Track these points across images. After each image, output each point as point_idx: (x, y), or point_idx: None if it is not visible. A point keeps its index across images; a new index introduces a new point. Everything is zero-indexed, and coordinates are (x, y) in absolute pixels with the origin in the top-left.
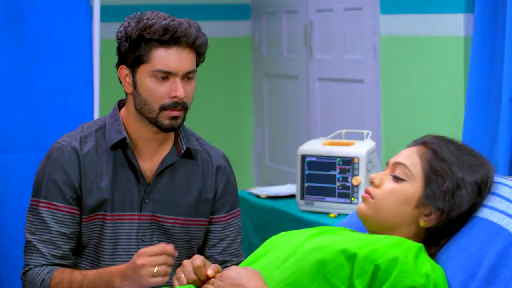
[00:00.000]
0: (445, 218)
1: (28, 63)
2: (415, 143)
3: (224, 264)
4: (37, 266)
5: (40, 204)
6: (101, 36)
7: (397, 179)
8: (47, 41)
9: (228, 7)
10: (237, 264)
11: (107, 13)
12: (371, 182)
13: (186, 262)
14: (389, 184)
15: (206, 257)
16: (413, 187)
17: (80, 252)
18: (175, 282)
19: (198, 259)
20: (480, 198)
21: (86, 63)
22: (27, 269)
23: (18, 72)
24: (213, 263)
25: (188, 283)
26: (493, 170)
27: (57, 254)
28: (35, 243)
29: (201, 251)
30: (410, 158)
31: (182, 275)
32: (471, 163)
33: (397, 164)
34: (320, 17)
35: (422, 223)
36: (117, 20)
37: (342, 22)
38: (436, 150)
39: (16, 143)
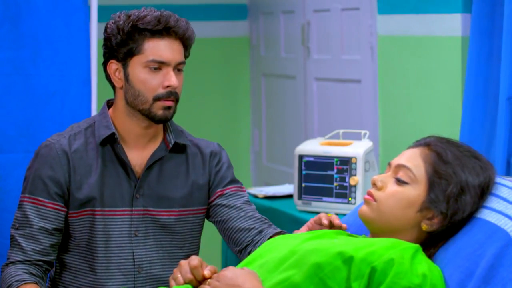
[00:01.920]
0: (448, 222)
1: (25, 63)
2: (417, 144)
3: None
4: (16, 261)
5: (25, 200)
6: (99, 36)
7: (400, 182)
8: (45, 41)
9: (225, 7)
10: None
11: (105, 13)
12: (373, 184)
13: (182, 262)
14: (392, 187)
15: (240, 230)
16: (417, 191)
17: (74, 250)
18: (172, 282)
19: (195, 259)
20: (482, 201)
21: (83, 63)
22: (7, 262)
23: (15, 72)
24: (249, 230)
25: (185, 283)
26: (496, 173)
27: (37, 249)
28: (17, 238)
29: (229, 229)
30: (414, 161)
31: (179, 275)
32: (475, 166)
33: (400, 166)
34: (318, 17)
35: (425, 227)
36: None
37: (340, 22)
38: (440, 152)
39: (13, 143)
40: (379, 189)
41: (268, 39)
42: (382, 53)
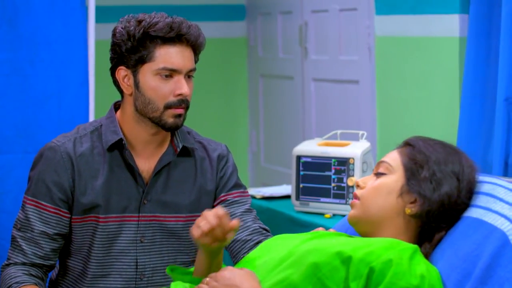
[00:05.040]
0: (428, 204)
1: (23, 64)
2: (397, 146)
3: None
4: (16, 263)
5: (28, 202)
6: (96, 37)
7: (379, 175)
8: (43, 41)
9: (223, 7)
10: None
11: (102, 14)
12: (357, 186)
13: (206, 211)
14: (373, 182)
15: (237, 241)
16: (395, 178)
17: (75, 255)
18: (196, 230)
19: (221, 209)
20: (462, 186)
21: (81, 63)
22: (7, 263)
23: (13, 73)
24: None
25: (209, 229)
26: (469, 160)
27: (39, 254)
28: (19, 240)
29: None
30: (391, 155)
31: (203, 222)
32: (446, 151)
33: (379, 163)
34: (315, 18)
35: (408, 210)
36: (112, 21)
37: (337, 23)
38: (413, 144)
39: (11, 144)
40: (362, 188)
41: (266, 40)
42: (379, 54)
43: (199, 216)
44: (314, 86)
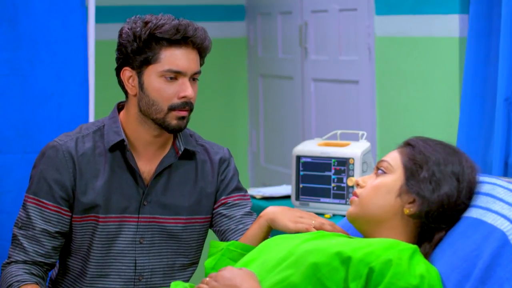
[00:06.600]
0: (427, 203)
1: (23, 64)
2: (398, 146)
3: None
4: (18, 261)
5: (29, 200)
6: (96, 37)
7: (379, 174)
8: (42, 41)
9: (223, 8)
10: None
11: (102, 14)
12: (357, 185)
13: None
14: (372, 181)
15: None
16: (394, 177)
17: (76, 254)
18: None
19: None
20: (462, 187)
21: (81, 64)
22: (8, 261)
23: (13, 73)
24: None
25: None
26: (469, 160)
27: (40, 252)
28: (20, 238)
29: (227, 241)
30: (391, 155)
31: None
32: (446, 152)
33: (379, 163)
34: (315, 18)
35: (406, 210)
36: (112, 21)
37: (337, 23)
38: (413, 145)
39: (11, 144)
40: (362, 187)
41: (265, 40)
42: (379, 54)
43: (198, 218)
44: (314, 86)
